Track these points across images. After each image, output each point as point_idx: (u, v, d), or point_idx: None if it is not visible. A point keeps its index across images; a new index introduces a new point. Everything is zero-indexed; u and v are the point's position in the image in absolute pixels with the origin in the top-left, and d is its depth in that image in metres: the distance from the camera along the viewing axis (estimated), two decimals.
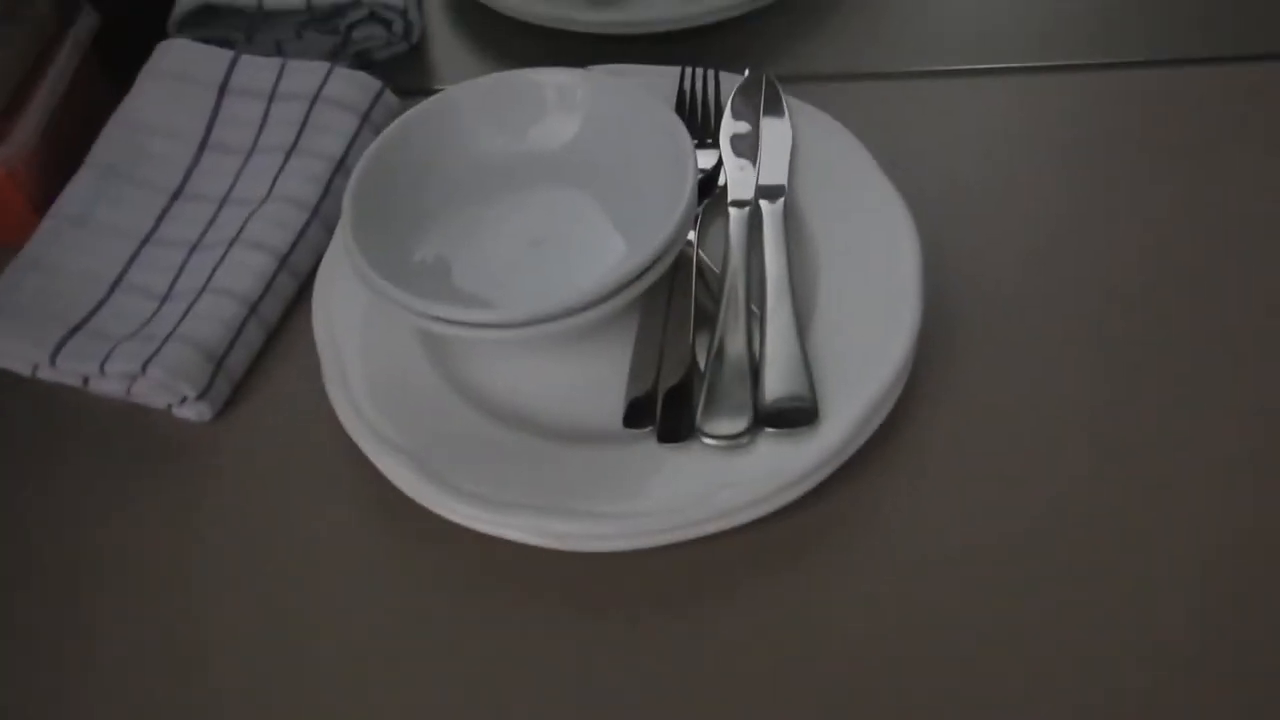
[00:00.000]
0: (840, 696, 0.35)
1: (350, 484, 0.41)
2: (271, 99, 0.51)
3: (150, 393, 0.43)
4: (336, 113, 0.50)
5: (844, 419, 0.38)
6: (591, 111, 0.44)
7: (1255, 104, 0.49)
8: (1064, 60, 0.52)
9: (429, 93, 0.46)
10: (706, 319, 0.42)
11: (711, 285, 0.43)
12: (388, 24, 0.56)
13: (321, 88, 0.50)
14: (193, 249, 0.47)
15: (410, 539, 0.39)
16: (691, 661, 0.36)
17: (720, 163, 0.47)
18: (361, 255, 0.39)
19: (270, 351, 0.45)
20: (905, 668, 0.35)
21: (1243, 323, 0.42)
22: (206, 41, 0.53)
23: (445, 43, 0.58)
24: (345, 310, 0.43)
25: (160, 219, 0.48)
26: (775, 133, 0.47)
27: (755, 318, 0.41)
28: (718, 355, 0.40)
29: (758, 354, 0.40)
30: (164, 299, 0.46)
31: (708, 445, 0.38)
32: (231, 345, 0.44)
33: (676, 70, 0.50)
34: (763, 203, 0.45)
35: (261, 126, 0.50)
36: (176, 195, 0.49)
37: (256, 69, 0.51)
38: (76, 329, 0.44)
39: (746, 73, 0.50)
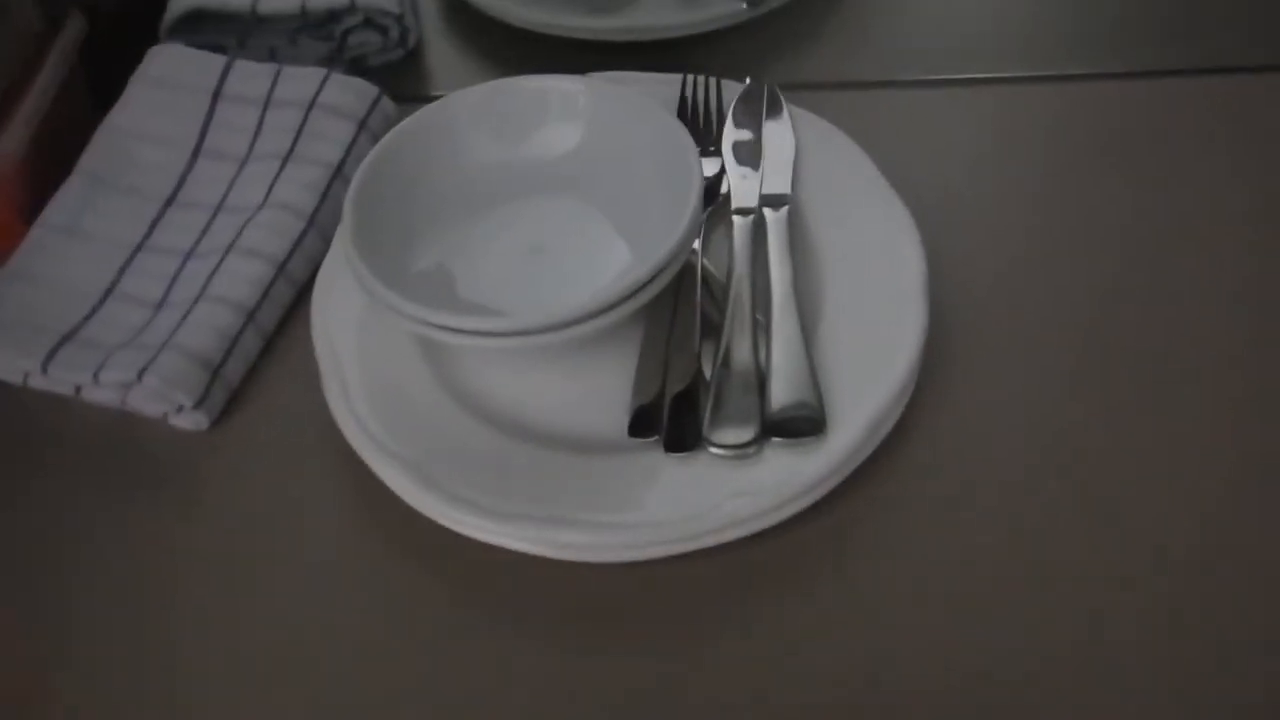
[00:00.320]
0: (846, 712, 0.34)
1: (349, 493, 0.40)
2: (267, 105, 0.50)
3: (145, 401, 0.42)
4: (333, 119, 0.49)
5: (852, 428, 0.38)
6: (594, 119, 0.44)
7: (1232, 114, 0.50)
8: (1054, 71, 0.53)
9: (425, 99, 0.46)
10: (711, 327, 0.42)
11: (716, 294, 0.43)
12: (383, 30, 0.55)
13: (318, 94, 0.50)
14: (187, 257, 0.46)
15: (412, 549, 0.39)
16: (697, 674, 0.35)
17: (723, 170, 0.47)
18: (363, 263, 0.39)
19: (267, 360, 0.45)
20: (912, 680, 0.35)
21: (1235, 322, 0.42)
22: (198, 47, 0.52)
23: (441, 49, 0.58)
24: (344, 318, 0.43)
25: (152, 227, 0.48)
26: (777, 140, 0.47)
27: (761, 326, 0.41)
28: (724, 364, 0.40)
29: (764, 363, 0.40)
30: (158, 307, 0.45)
31: (714, 455, 0.38)
32: (228, 354, 0.43)
33: (677, 78, 0.49)
34: (766, 211, 0.44)
35: (257, 133, 0.50)
36: (169, 203, 0.48)
37: (251, 75, 0.51)
38: (68, 338, 0.44)
39: (748, 80, 0.49)
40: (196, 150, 0.50)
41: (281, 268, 0.45)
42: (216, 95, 0.50)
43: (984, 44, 0.54)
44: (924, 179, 0.46)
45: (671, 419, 0.39)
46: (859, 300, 0.42)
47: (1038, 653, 0.35)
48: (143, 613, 0.38)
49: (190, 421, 0.42)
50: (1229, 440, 0.39)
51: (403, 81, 0.55)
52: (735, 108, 0.49)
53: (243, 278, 0.44)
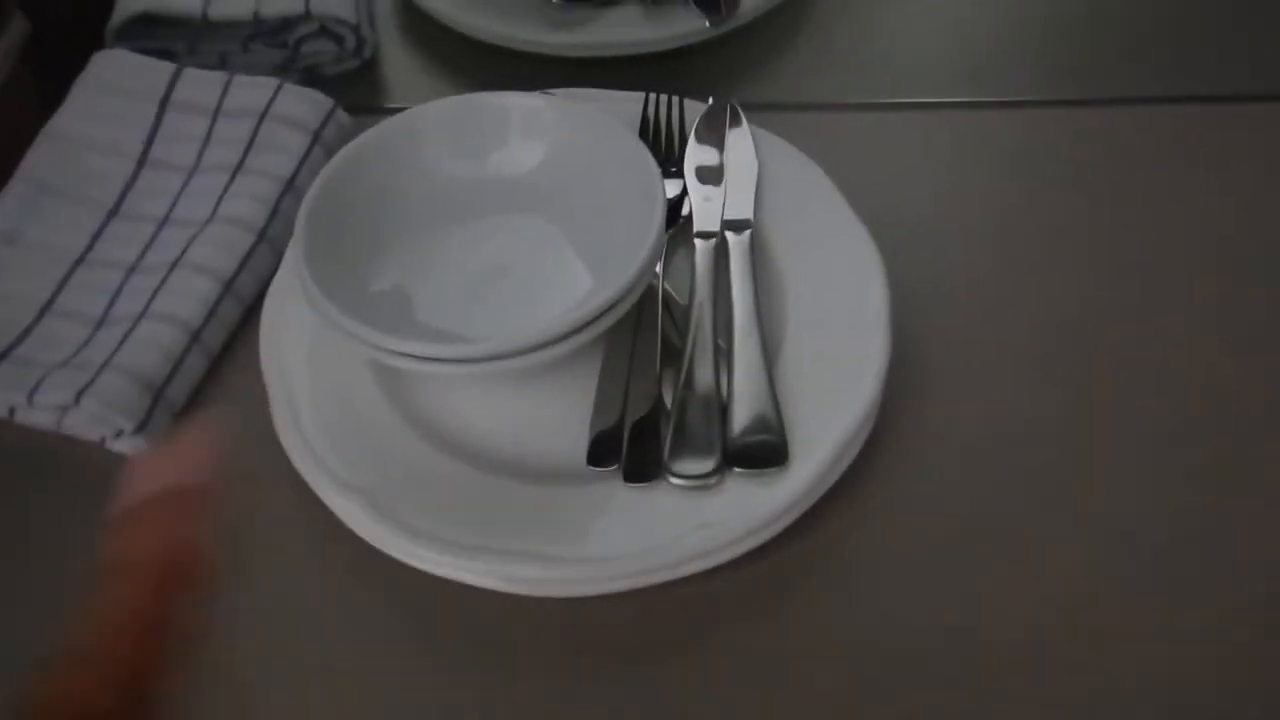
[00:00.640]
0: None
1: (298, 523, 0.39)
2: (216, 115, 0.48)
3: (83, 425, 0.40)
4: (286, 131, 0.48)
5: (815, 458, 0.37)
6: (557, 138, 0.43)
7: (1192, 143, 0.50)
8: (1015, 96, 0.53)
9: (382, 112, 0.45)
10: (672, 353, 0.41)
11: (677, 318, 0.42)
12: (339, 39, 0.54)
13: (270, 104, 0.48)
14: (130, 271, 0.45)
15: (364, 582, 0.38)
16: (660, 709, 0.35)
17: (684, 192, 0.46)
18: (315, 285, 0.37)
19: (213, 381, 0.43)
20: (881, 709, 0.34)
21: (1197, 343, 0.43)
22: (146, 53, 0.50)
23: (398, 60, 0.57)
24: (295, 339, 0.42)
25: (95, 239, 0.46)
26: (740, 162, 0.46)
27: (722, 353, 0.40)
28: (685, 392, 0.39)
29: (725, 390, 0.39)
30: (98, 325, 0.43)
31: (675, 485, 0.37)
32: (172, 375, 0.41)
33: (640, 96, 0.49)
34: (729, 234, 0.44)
35: (205, 143, 0.48)
36: (113, 214, 0.47)
37: (201, 83, 0.49)
38: (2, 356, 0.42)
39: (710, 100, 0.49)
40: (142, 160, 0.48)
41: (229, 285, 0.44)
42: (164, 103, 0.49)
43: (947, 69, 0.54)
44: (886, 202, 0.46)
45: (631, 447, 0.38)
46: (822, 326, 0.41)
47: (1005, 680, 0.35)
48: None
49: (130, 446, 0.41)
50: (1196, 461, 0.40)
51: (358, 93, 0.54)
52: (698, 128, 0.48)
53: (188, 295, 0.43)
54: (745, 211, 0.45)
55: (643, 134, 0.48)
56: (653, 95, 0.49)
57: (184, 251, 0.44)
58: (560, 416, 0.40)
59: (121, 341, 0.41)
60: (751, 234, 0.44)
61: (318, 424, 0.39)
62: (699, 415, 0.39)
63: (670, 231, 0.45)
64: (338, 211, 0.41)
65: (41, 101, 0.49)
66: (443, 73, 0.56)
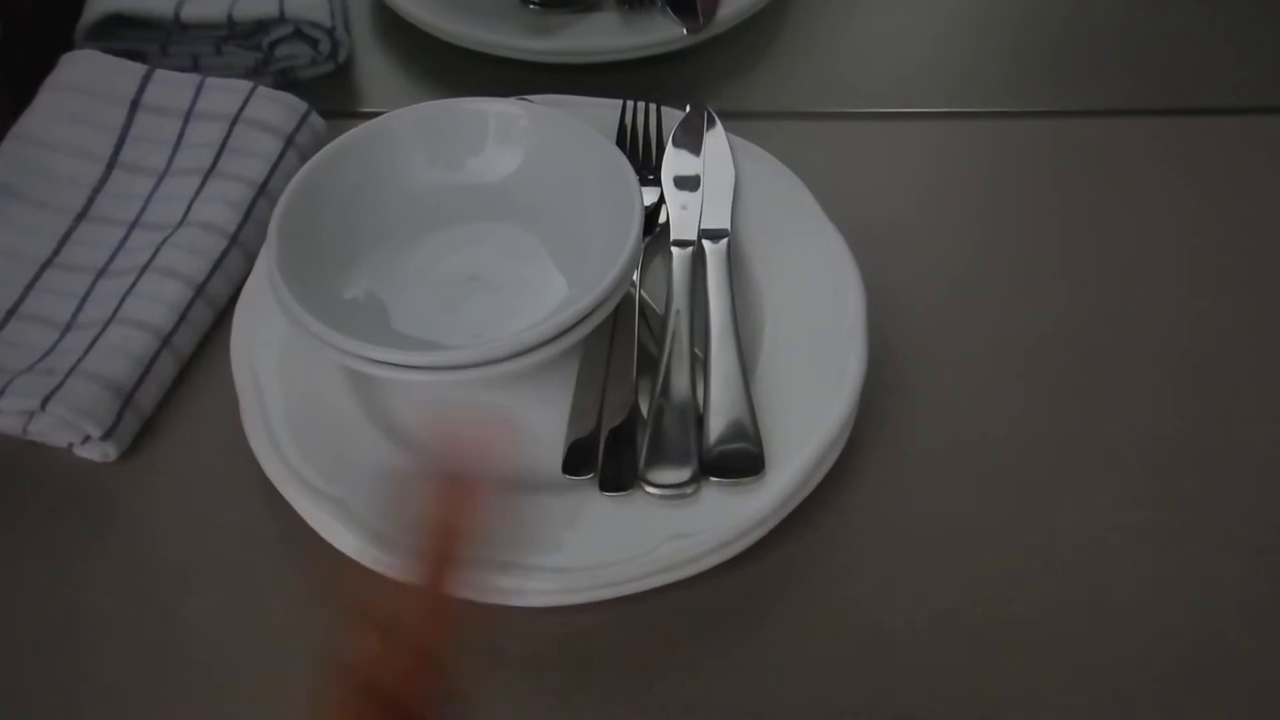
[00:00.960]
0: None
1: (270, 531, 0.38)
2: (188, 118, 0.48)
3: (50, 431, 0.40)
4: (259, 135, 0.47)
5: (791, 467, 0.37)
6: (534, 144, 0.43)
7: (1167, 154, 0.51)
8: (991, 107, 0.53)
9: (356, 116, 0.45)
10: (648, 361, 0.41)
11: (653, 326, 0.42)
12: (313, 42, 0.54)
13: (243, 107, 0.48)
14: (99, 276, 0.44)
15: (333, 590, 0.37)
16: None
17: (662, 199, 0.46)
18: (288, 290, 0.37)
19: (184, 387, 0.43)
20: None
21: (1174, 353, 0.43)
22: (117, 54, 0.50)
23: (373, 64, 0.56)
24: (266, 345, 0.41)
25: (62, 242, 0.45)
26: (717, 170, 0.46)
27: (699, 361, 0.40)
28: (661, 400, 0.39)
29: (702, 399, 0.39)
30: (66, 329, 0.42)
31: (651, 495, 0.37)
32: (141, 380, 0.41)
33: (617, 103, 0.49)
34: (706, 242, 0.44)
35: (176, 146, 0.47)
36: (81, 217, 0.46)
37: (172, 85, 0.48)
38: None
39: (688, 108, 0.49)
40: (112, 162, 0.47)
41: (200, 289, 0.43)
42: (135, 105, 0.48)
43: (924, 79, 0.55)
44: (863, 211, 0.46)
45: (607, 456, 0.38)
46: (798, 336, 0.41)
47: (987, 681, 0.35)
48: (41, 661, 0.36)
49: (98, 452, 0.40)
50: (1171, 468, 0.40)
51: (332, 97, 0.53)
52: (675, 135, 0.48)
53: (159, 299, 0.42)
54: (722, 220, 0.45)
55: (620, 141, 0.48)
56: (630, 102, 0.49)
57: (154, 255, 0.44)
58: (536, 424, 0.39)
59: (90, 346, 0.41)
60: (728, 242, 0.44)
61: (289, 431, 0.39)
62: (675, 424, 0.38)
63: (647, 239, 0.45)
64: (311, 217, 0.40)
65: (10, 103, 0.48)
66: (419, 77, 0.56)
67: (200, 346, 0.44)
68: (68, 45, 0.51)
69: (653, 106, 0.49)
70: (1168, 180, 0.50)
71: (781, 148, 0.47)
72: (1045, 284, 0.46)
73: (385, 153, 0.42)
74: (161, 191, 0.46)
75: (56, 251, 0.45)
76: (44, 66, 0.49)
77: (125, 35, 0.53)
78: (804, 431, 0.38)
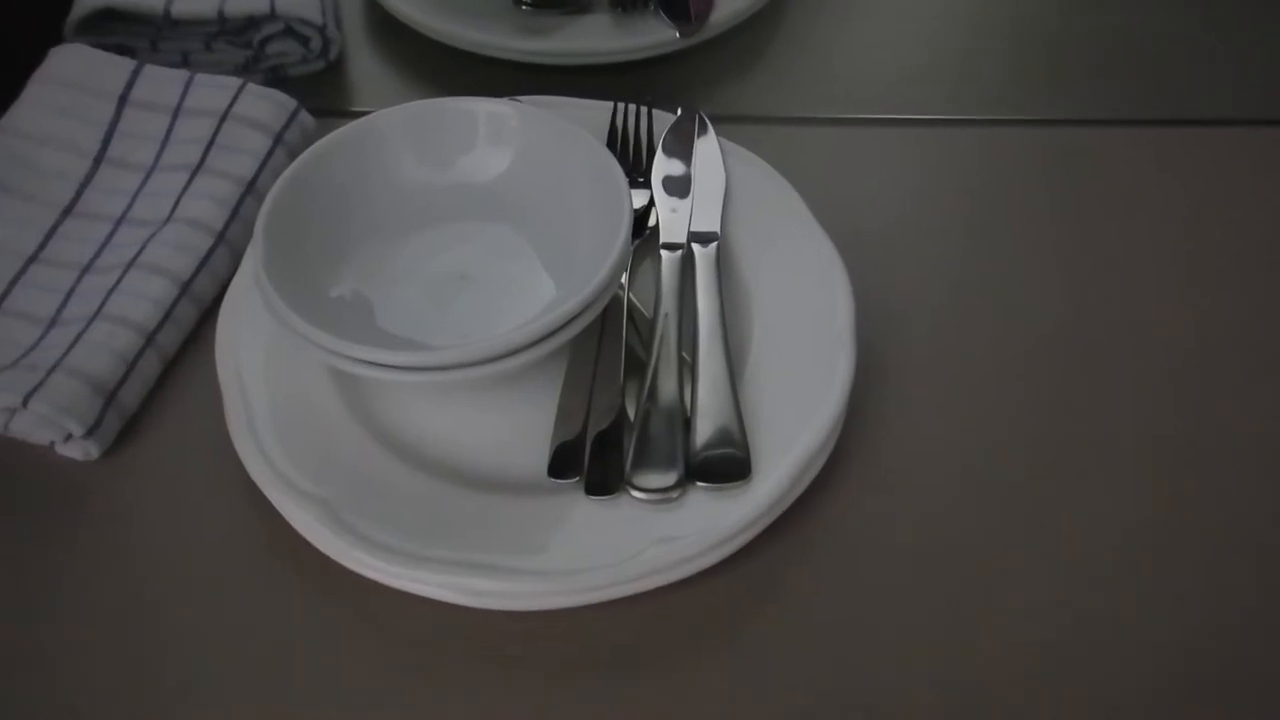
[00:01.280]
0: None
1: (253, 533, 0.38)
2: (177, 114, 0.47)
3: (31, 428, 0.39)
4: (247, 132, 0.47)
5: (778, 473, 0.37)
6: (524, 145, 0.42)
7: (1155, 163, 0.51)
8: (983, 115, 0.53)
9: (346, 114, 0.44)
10: (636, 364, 0.40)
11: (641, 329, 0.42)
12: (304, 40, 0.53)
13: (232, 104, 0.47)
14: (84, 271, 0.44)
15: (319, 593, 0.37)
16: None
17: (651, 202, 0.46)
18: (274, 289, 0.37)
19: (167, 385, 0.42)
20: None
21: (1164, 359, 0.43)
22: (106, 49, 0.49)
23: (365, 63, 0.56)
24: (252, 343, 0.41)
25: (48, 237, 0.45)
26: (708, 174, 0.46)
27: (687, 365, 0.40)
28: (648, 404, 0.39)
29: (689, 403, 0.39)
30: (50, 325, 0.42)
31: (637, 499, 0.37)
32: (124, 378, 0.40)
33: (608, 105, 0.48)
34: (695, 246, 0.44)
35: (164, 143, 0.47)
36: (67, 212, 0.46)
37: (161, 80, 0.48)
38: None
39: (679, 111, 0.49)
40: (99, 158, 0.47)
41: (186, 287, 0.43)
42: (123, 100, 0.48)
43: (917, 85, 0.54)
44: (853, 217, 0.46)
45: (593, 460, 0.38)
46: (787, 341, 0.41)
47: (970, 691, 0.35)
48: (20, 662, 0.35)
49: (80, 451, 0.40)
50: (1167, 476, 0.40)
51: (323, 95, 0.53)
52: (666, 138, 0.48)
53: (144, 296, 0.42)
54: (712, 224, 0.45)
55: (610, 143, 0.47)
56: (621, 105, 0.49)
57: (140, 252, 0.43)
58: (522, 427, 0.39)
59: (73, 343, 0.40)
60: (718, 246, 0.44)
61: (273, 431, 0.38)
62: (662, 428, 0.38)
63: (636, 242, 0.44)
64: (298, 215, 0.40)
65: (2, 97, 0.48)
66: (409, 77, 0.56)
67: (185, 345, 0.43)
68: (57, 39, 0.51)
69: (644, 109, 0.49)
70: (1159, 189, 0.50)
71: (773, 152, 0.47)
72: (1036, 291, 0.46)
73: (374, 151, 0.42)
74: (149, 187, 0.46)
75: (42, 246, 0.45)
76: (33, 60, 0.49)
77: (115, 30, 0.52)
78: (791, 436, 0.38)
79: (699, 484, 0.37)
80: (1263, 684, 0.35)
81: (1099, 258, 0.47)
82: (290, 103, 0.48)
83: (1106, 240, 0.48)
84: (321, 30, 0.53)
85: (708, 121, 0.48)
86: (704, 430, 0.38)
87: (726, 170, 0.46)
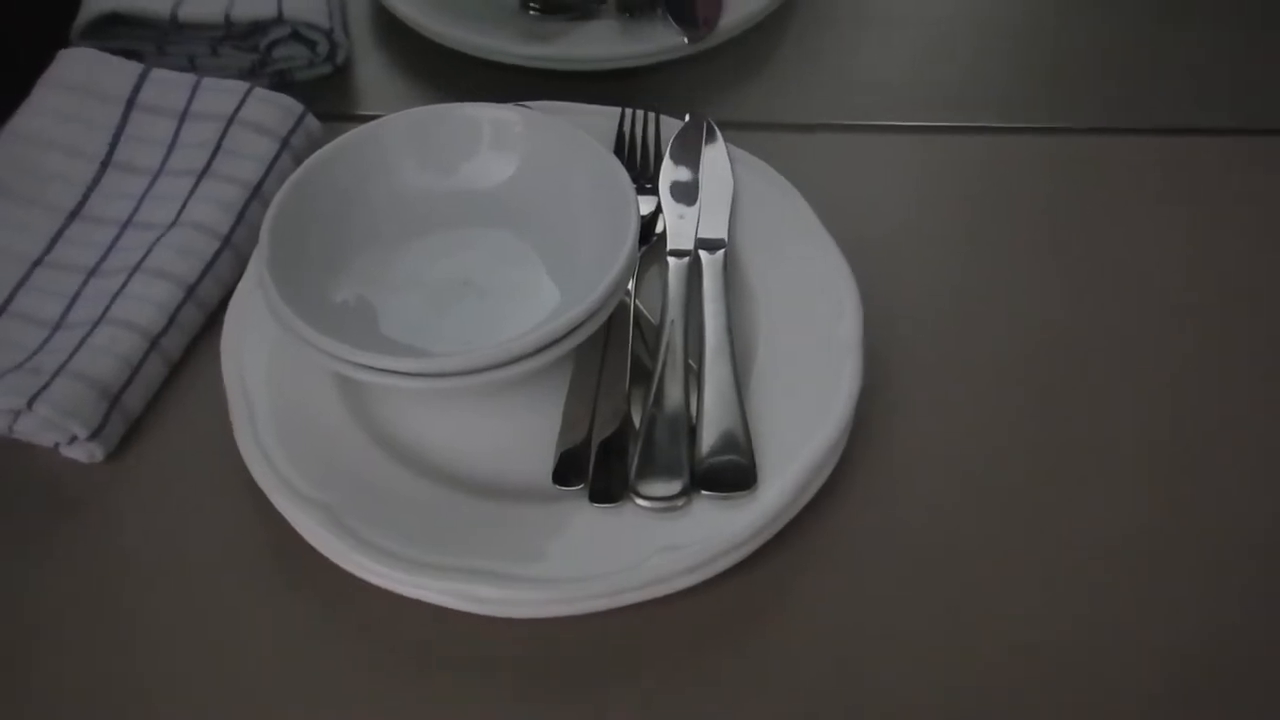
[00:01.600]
0: None
1: (256, 536, 0.38)
2: (183, 118, 0.47)
3: (36, 430, 0.39)
4: (254, 136, 0.47)
5: (784, 482, 0.37)
6: (529, 151, 0.42)
7: (1161, 172, 0.51)
8: (993, 122, 0.53)
9: (352, 119, 0.44)
10: (642, 371, 0.40)
11: (648, 337, 0.42)
12: (311, 44, 0.53)
13: (239, 108, 0.47)
14: (90, 275, 0.44)
15: (321, 598, 0.37)
16: None
17: (659, 209, 0.46)
18: (278, 293, 0.37)
19: (172, 389, 0.42)
20: None
21: (1165, 367, 0.43)
22: (113, 53, 0.49)
23: (371, 68, 0.56)
24: (256, 348, 0.41)
25: (54, 241, 0.45)
26: (716, 181, 0.46)
27: (693, 373, 0.40)
28: (654, 411, 0.39)
29: (695, 411, 0.39)
30: (55, 328, 0.42)
31: (641, 507, 0.37)
32: (129, 381, 0.40)
33: (616, 111, 0.48)
34: (702, 253, 0.43)
35: (171, 147, 0.47)
36: (73, 216, 0.46)
37: (168, 85, 0.48)
38: None
39: (687, 117, 0.48)
40: (105, 161, 0.47)
41: (191, 291, 0.43)
42: (130, 104, 0.48)
43: (925, 92, 0.54)
44: (861, 225, 0.46)
45: (597, 467, 0.38)
46: (794, 349, 0.41)
47: (973, 696, 0.35)
48: (24, 663, 0.35)
49: (84, 453, 0.40)
50: (1161, 483, 0.40)
51: (329, 99, 0.53)
52: (674, 145, 0.48)
53: (149, 300, 0.42)
54: (720, 231, 0.44)
55: (618, 150, 0.47)
56: (629, 110, 0.49)
57: (146, 256, 0.43)
58: (526, 434, 0.39)
59: (78, 346, 0.40)
60: (725, 253, 0.44)
61: (278, 435, 0.38)
62: (667, 436, 0.38)
63: (643, 249, 0.44)
64: (304, 220, 0.40)
65: (3, 100, 0.48)
66: (416, 81, 0.56)
67: (190, 349, 0.43)
68: (64, 43, 0.51)
69: (651, 115, 0.48)
70: (1161, 197, 0.49)
71: (781, 159, 0.47)
72: (1041, 298, 0.45)
73: (379, 157, 0.42)
74: (155, 191, 0.46)
75: (48, 250, 0.45)
76: (40, 64, 0.49)
77: (122, 34, 0.52)
78: (797, 445, 0.38)
79: (704, 492, 0.37)
80: (1262, 689, 0.35)
81: (1103, 265, 0.47)
82: (296, 107, 0.48)
83: (1110, 248, 0.47)
84: (328, 34, 0.53)
85: (715, 128, 0.48)
86: (709, 438, 0.38)
87: (734, 177, 0.46)
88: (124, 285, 0.42)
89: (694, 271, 0.43)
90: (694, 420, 0.39)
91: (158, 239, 0.44)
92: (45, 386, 0.39)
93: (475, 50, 0.54)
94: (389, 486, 0.37)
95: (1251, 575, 0.37)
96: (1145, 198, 0.49)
